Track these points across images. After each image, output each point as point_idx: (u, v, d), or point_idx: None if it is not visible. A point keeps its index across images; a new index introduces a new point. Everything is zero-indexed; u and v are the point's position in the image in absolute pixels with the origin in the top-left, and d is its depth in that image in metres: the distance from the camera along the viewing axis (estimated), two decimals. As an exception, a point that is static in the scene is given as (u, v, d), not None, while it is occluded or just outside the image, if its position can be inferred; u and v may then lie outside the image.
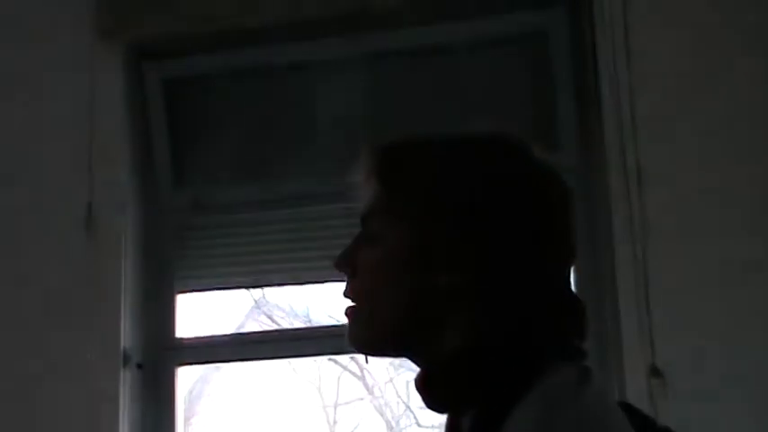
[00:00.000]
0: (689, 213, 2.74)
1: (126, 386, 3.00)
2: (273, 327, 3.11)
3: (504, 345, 1.12)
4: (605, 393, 1.14)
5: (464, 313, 1.15)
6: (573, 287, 1.25)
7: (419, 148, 1.23)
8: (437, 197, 1.17)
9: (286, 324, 3.10)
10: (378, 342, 1.21)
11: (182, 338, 3.15)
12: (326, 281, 3.07)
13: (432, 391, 1.16)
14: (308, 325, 3.08)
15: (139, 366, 3.07)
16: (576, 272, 2.88)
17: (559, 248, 1.20)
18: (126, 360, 3.01)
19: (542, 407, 1.05)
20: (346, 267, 1.23)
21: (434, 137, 1.24)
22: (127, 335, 3.03)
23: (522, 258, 1.15)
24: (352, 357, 4.36)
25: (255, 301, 4.99)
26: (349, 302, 1.23)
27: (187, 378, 3.15)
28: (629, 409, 1.24)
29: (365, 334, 1.21)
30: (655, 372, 2.63)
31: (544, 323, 1.15)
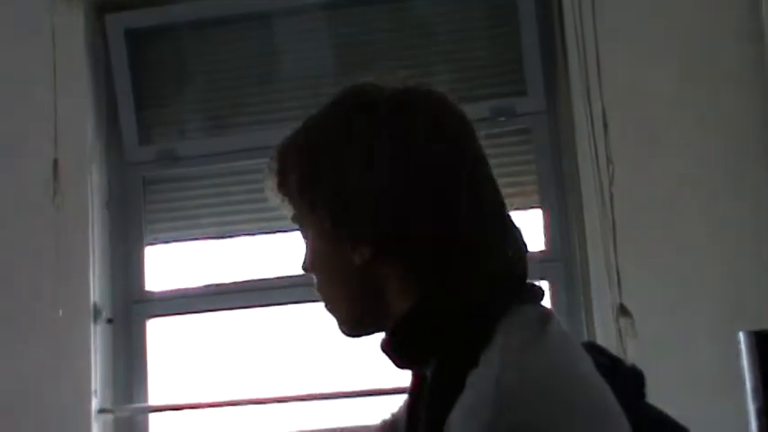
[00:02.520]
0: (655, 156, 2.76)
1: (97, 341, 3.00)
2: (244, 277, 3.13)
3: (452, 297, 1.13)
4: (567, 334, 1.14)
5: (394, 279, 1.17)
6: (513, 222, 1.22)
7: (291, 145, 1.26)
8: (312, 188, 1.21)
9: (257, 274, 3.11)
10: (353, 326, 1.26)
11: (152, 291, 3.15)
12: (296, 230, 3.05)
13: (395, 352, 1.20)
14: (279, 274, 3.09)
15: (110, 321, 3.07)
16: (543, 215, 2.92)
17: (466, 185, 1.17)
18: (96, 315, 3.01)
19: (505, 352, 1.06)
20: (307, 268, 1.29)
21: (306, 122, 1.26)
22: (96, 290, 3.03)
23: (425, 211, 1.15)
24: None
25: (225, 252, 4.97)
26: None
27: (159, 330, 3.15)
28: (595, 348, 1.26)
29: (341, 324, 1.26)
30: (623, 311, 2.67)
31: (490, 268, 1.15)
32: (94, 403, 2.95)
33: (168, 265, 3.18)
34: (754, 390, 2.02)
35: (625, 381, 1.20)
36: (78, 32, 3.11)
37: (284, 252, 3.11)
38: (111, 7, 3.16)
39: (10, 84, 3.11)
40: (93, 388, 2.94)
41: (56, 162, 3.02)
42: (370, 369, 2.88)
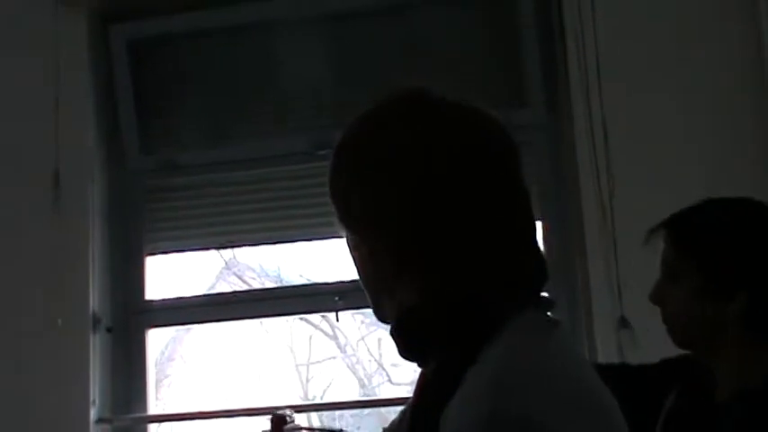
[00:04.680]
0: (655, 169, 2.76)
1: (96, 350, 3.00)
2: (244, 287, 3.12)
3: (459, 298, 1.13)
4: (571, 344, 1.15)
5: (406, 275, 1.17)
6: (535, 237, 1.22)
7: (341, 149, 1.24)
8: (348, 199, 1.20)
9: (257, 284, 3.11)
10: (385, 321, 1.25)
11: (151, 301, 3.14)
12: (296, 240, 3.07)
13: (400, 341, 1.20)
14: (279, 285, 3.09)
15: (109, 330, 3.07)
16: (543, 227, 2.92)
17: (491, 191, 1.17)
18: (95, 324, 3.01)
19: (507, 350, 1.07)
20: None
21: (351, 129, 1.24)
22: (96, 299, 3.03)
23: (451, 212, 1.15)
24: (323, 316, 4.38)
25: (226, 262, 4.98)
26: None
27: (158, 340, 3.14)
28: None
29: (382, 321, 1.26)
30: (624, 323, 2.66)
31: (503, 273, 1.15)
32: (93, 413, 2.95)
33: (168, 274, 3.18)
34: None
35: None
36: (81, 43, 3.12)
37: (284, 262, 3.11)
38: (113, 18, 3.17)
39: (12, 92, 3.12)
40: (91, 397, 2.94)
41: (57, 171, 3.02)
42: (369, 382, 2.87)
